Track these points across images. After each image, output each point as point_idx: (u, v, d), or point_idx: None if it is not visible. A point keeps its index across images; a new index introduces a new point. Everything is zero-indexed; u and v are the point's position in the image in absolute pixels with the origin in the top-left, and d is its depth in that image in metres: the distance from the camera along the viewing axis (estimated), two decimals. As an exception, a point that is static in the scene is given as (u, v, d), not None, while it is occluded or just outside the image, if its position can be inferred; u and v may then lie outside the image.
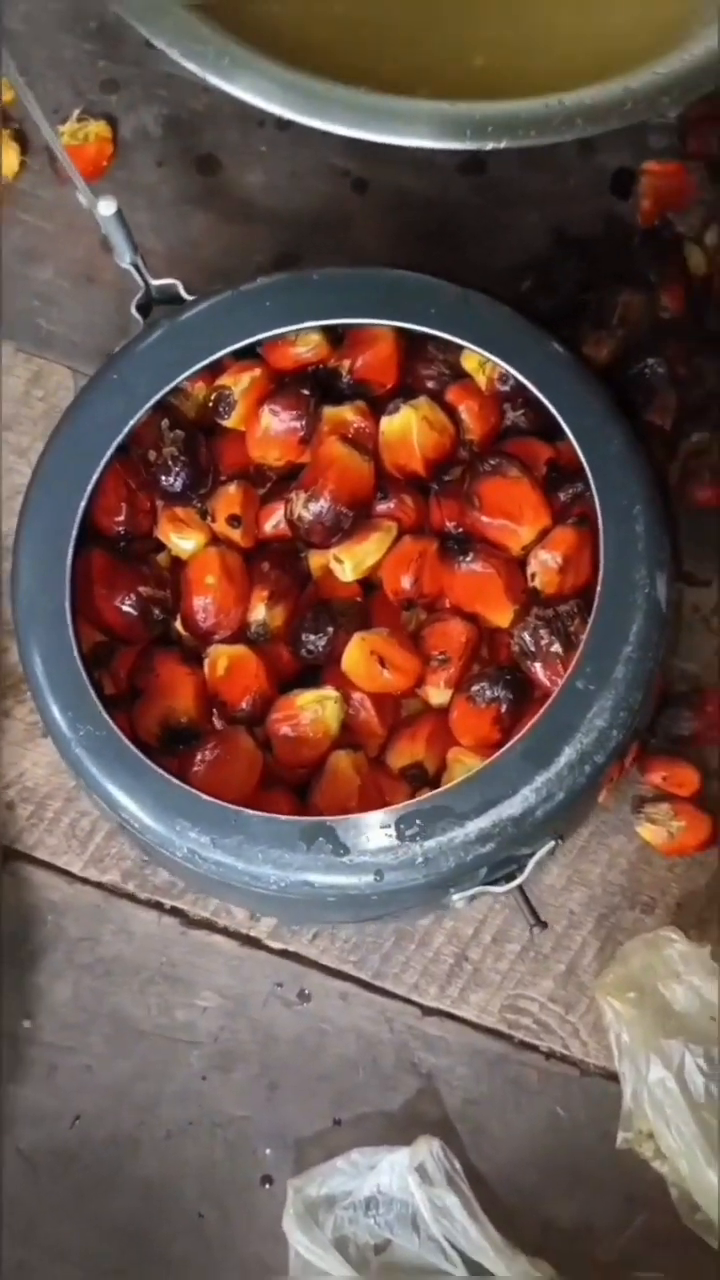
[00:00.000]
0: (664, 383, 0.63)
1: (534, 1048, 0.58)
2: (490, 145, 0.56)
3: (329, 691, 0.53)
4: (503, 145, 0.56)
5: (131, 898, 0.61)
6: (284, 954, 0.60)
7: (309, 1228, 0.54)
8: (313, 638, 0.55)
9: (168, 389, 0.54)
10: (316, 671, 0.55)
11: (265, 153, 0.70)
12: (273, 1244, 0.56)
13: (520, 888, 0.52)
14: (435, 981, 0.59)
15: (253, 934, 0.60)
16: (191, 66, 0.58)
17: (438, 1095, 0.58)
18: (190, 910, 0.60)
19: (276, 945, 0.60)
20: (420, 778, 0.53)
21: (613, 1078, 0.56)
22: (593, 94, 0.56)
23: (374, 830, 0.50)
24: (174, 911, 0.60)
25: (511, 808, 0.50)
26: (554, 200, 0.68)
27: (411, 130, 0.57)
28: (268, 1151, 0.58)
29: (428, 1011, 0.59)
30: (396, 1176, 0.54)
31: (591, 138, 0.64)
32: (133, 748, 0.51)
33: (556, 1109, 0.57)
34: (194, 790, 0.51)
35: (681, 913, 0.59)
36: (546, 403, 0.53)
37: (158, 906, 0.60)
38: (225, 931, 0.60)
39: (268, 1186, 0.58)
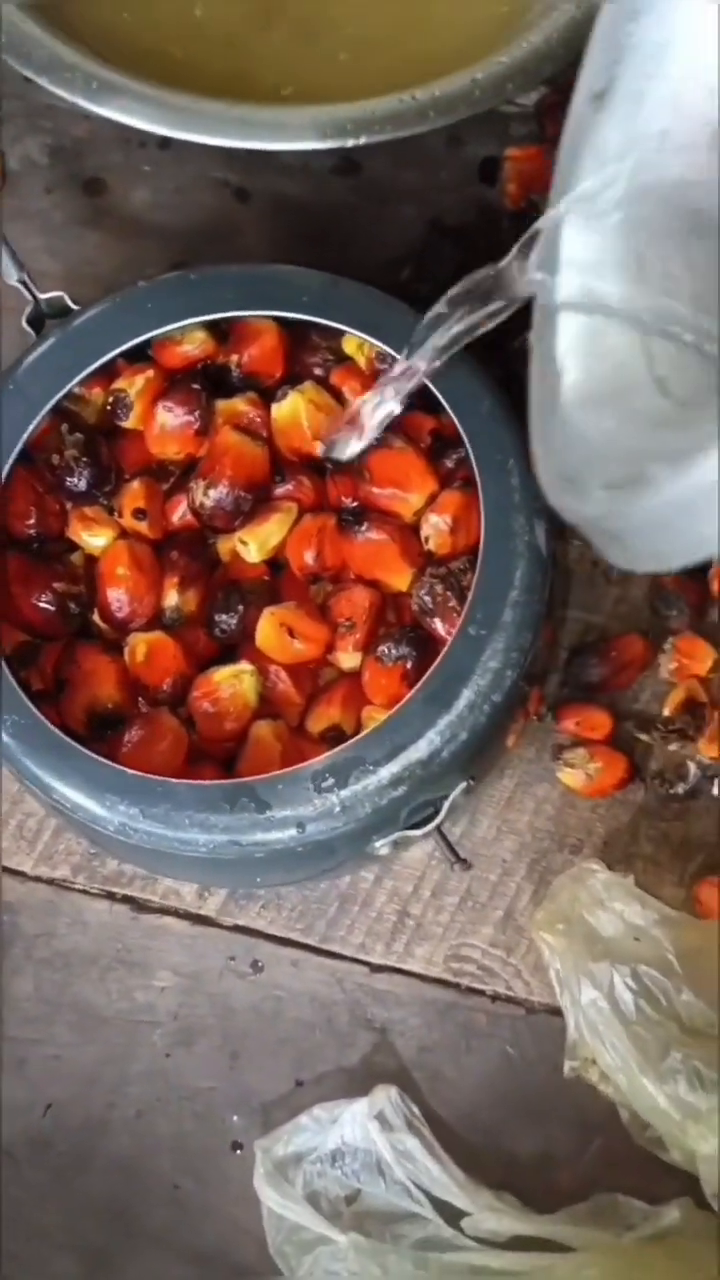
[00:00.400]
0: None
1: (480, 992, 0.61)
2: (350, 143, 0.60)
3: (244, 666, 0.56)
4: (362, 142, 0.60)
5: (83, 890, 0.63)
6: (234, 928, 0.62)
7: (279, 1185, 0.56)
8: (225, 617, 0.57)
9: (62, 394, 0.57)
10: (234, 650, 0.58)
11: (149, 171, 0.73)
12: (247, 1206, 0.58)
13: (439, 829, 0.55)
14: (380, 939, 0.62)
15: (202, 912, 0.62)
16: (63, 93, 0.61)
17: (392, 1047, 0.60)
18: (140, 896, 0.63)
19: (226, 921, 0.62)
20: (339, 739, 0.56)
21: (557, 1013, 0.58)
22: (442, 86, 0.60)
23: (292, 786, 0.52)
24: (125, 899, 0.63)
25: (418, 751, 0.53)
26: (427, 193, 0.72)
27: (274, 135, 0.61)
28: (235, 1118, 0.60)
29: (376, 969, 0.61)
30: (358, 1127, 0.57)
31: (458, 130, 0.68)
32: (59, 733, 0.53)
33: (506, 1048, 0.60)
34: (119, 766, 0.54)
35: (608, 850, 0.62)
36: (424, 379, 0.56)
37: (109, 896, 0.63)
38: (175, 913, 0.62)
39: (238, 1152, 0.60)
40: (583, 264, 0.49)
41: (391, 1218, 0.56)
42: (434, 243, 0.69)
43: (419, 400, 0.58)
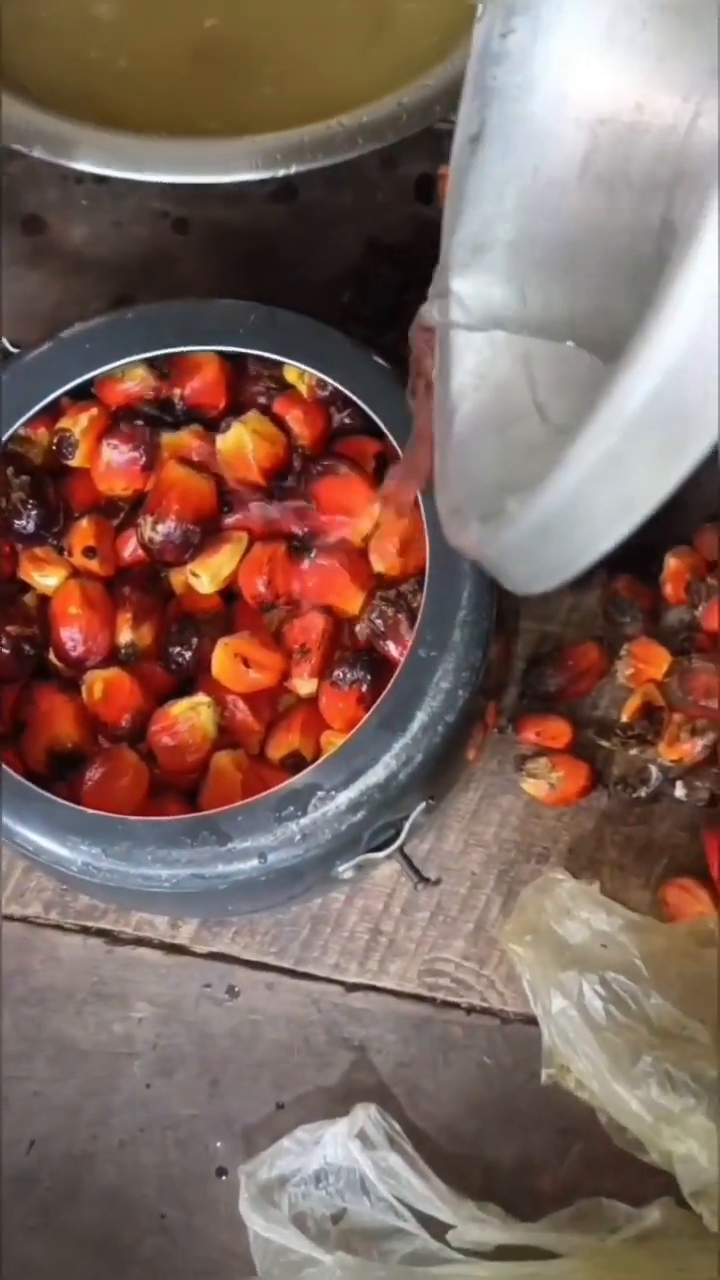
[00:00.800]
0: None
1: (455, 1005, 0.61)
2: (281, 172, 0.61)
3: (201, 698, 0.57)
4: (293, 170, 0.61)
5: (56, 926, 0.63)
6: (208, 956, 0.63)
7: (264, 1209, 0.56)
8: (180, 650, 0.58)
9: (6, 436, 0.57)
10: (191, 682, 0.58)
11: (87, 206, 0.74)
12: (235, 1231, 0.58)
13: (401, 850, 0.56)
14: (354, 958, 0.62)
15: (176, 941, 0.63)
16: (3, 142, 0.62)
17: (371, 1064, 0.61)
18: (114, 929, 0.63)
19: (200, 949, 0.63)
20: (299, 765, 0.56)
21: (532, 1021, 0.59)
22: (369, 112, 0.61)
23: (252, 816, 0.53)
24: (99, 933, 0.63)
25: (375, 775, 0.53)
26: (365, 214, 0.72)
27: (207, 168, 0.61)
28: (218, 1144, 0.61)
29: (351, 988, 0.62)
30: (340, 1147, 0.57)
31: (392, 151, 0.69)
32: (16, 776, 0.54)
33: (484, 1059, 0.61)
34: (78, 807, 0.54)
35: (574, 857, 0.62)
36: (359, 402, 0.57)
37: (83, 930, 0.63)
38: (149, 943, 0.63)
39: (223, 1177, 0.60)
40: (472, 299, 0.50)
41: (378, 1235, 0.57)
42: (373, 263, 0.70)
43: (362, 424, 0.59)
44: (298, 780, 0.53)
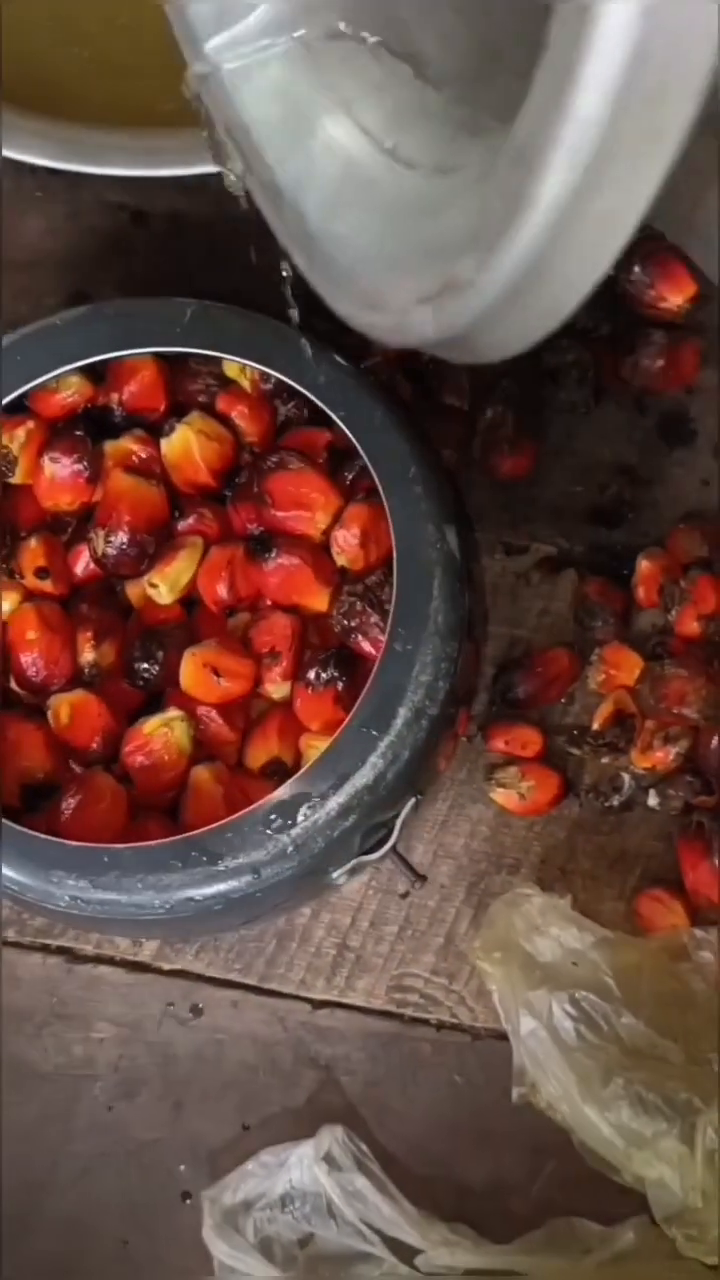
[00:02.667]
0: (453, 366, 0.65)
1: (424, 1021, 0.60)
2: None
3: (173, 713, 0.55)
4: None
5: (14, 944, 0.61)
6: (171, 973, 0.61)
7: (228, 1235, 0.55)
8: (145, 665, 0.56)
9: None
10: (159, 696, 0.57)
11: (41, 198, 0.71)
12: (200, 1256, 0.57)
13: (394, 849, 0.54)
14: (321, 974, 0.60)
15: (138, 959, 0.61)
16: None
17: (338, 1084, 0.59)
18: (74, 946, 0.61)
19: (163, 966, 0.61)
20: (280, 771, 0.55)
21: (502, 1037, 0.57)
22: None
23: (241, 833, 0.51)
24: (58, 950, 0.61)
25: (364, 777, 0.52)
26: (328, 205, 0.70)
27: (164, 161, 0.59)
28: (182, 1168, 0.59)
29: (318, 1005, 0.60)
30: (306, 1170, 0.56)
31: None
32: None
33: (454, 1076, 0.59)
34: (59, 839, 0.52)
35: (545, 868, 0.61)
36: (305, 392, 0.55)
37: (42, 949, 0.61)
38: (111, 961, 0.61)
39: (188, 1202, 0.59)
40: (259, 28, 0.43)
41: (345, 1260, 0.56)
42: (336, 258, 0.68)
43: (310, 415, 0.57)
44: (285, 790, 0.52)
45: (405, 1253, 0.56)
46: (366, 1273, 0.55)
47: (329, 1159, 0.56)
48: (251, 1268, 0.54)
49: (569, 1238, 0.55)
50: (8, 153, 0.62)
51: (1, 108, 0.62)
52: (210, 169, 0.60)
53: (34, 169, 0.71)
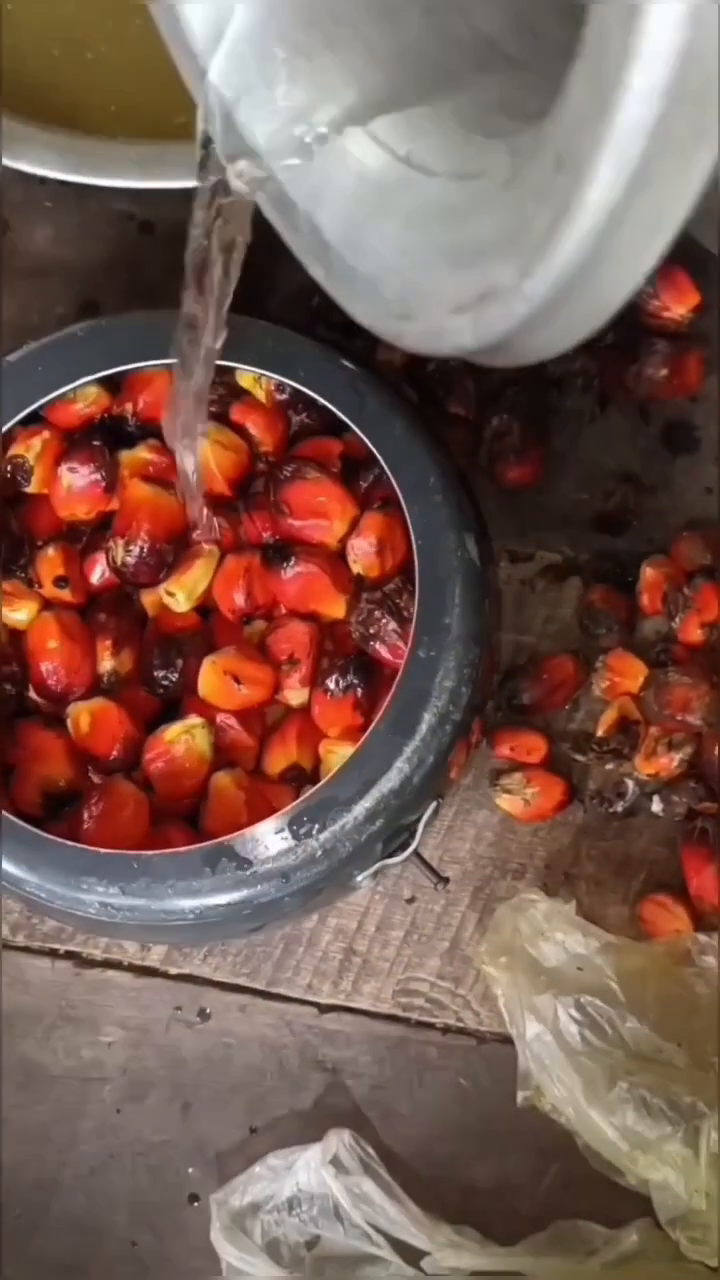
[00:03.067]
0: (459, 374, 0.65)
1: (430, 1025, 0.60)
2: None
3: (193, 720, 0.55)
4: (259, 174, 0.59)
5: (24, 949, 0.62)
6: (179, 978, 0.61)
7: (236, 1238, 0.56)
8: (165, 673, 0.57)
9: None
10: (177, 704, 0.57)
11: (51, 208, 0.72)
12: (208, 1258, 0.57)
13: (416, 852, 0.55)
14: (328, 979, 0.61)
15: (146, 964, 0.62)
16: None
17: (345, 1087, 0.60)
18: (83, 951, 0.62)
19: (171, 971, 0.61)
20: (299, 777, 0.55)
21: (508, 1041, 0.58)
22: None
23: (271, 838, 0.52)
24: (67, 955, 0.62)
25: (390, 782, 0.52)
26: (335, 214, 0.71)
27: (170, 173, 0.60)
28: (190, 1170, 0.60)
29: (324, 1009, 0.61)
30: (313, 1173, 0.56)
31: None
32: (20, 823, 0.52)
33: (460, 1080, 0.60)
34: (89, 847, 0.52)
35: (550, 873, 0.61)
36: (324, 401, 0.55)
37: (51, 953, 0.62)
38: (119, 966, 0.62)
39: (195, 1204, 0.59)
40: (261, 121, 0.41)
41: (352, 1262, 0.56)
42: (343, 267, 0.68)
43: (322, 424, 0.58)
44: (313, 795, 0.52)
45: (411, 1255, 0.56)
46: (373, 1274, 0.55)
47: (336, 1162, 0.56)
48: (258, 1270, 0.55)
49: (574, 1239, 0.56)
50: (18, 164, 0.63)
51: (2, 117, 0.63)
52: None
53: (44, 180, 0.72)
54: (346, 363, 0.56)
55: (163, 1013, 0.61)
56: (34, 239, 0.72)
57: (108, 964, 0.62)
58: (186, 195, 0.70)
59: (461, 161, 0.39)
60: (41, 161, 0.63)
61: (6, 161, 0.62)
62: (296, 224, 0.46)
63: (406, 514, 0.54)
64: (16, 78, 0.65)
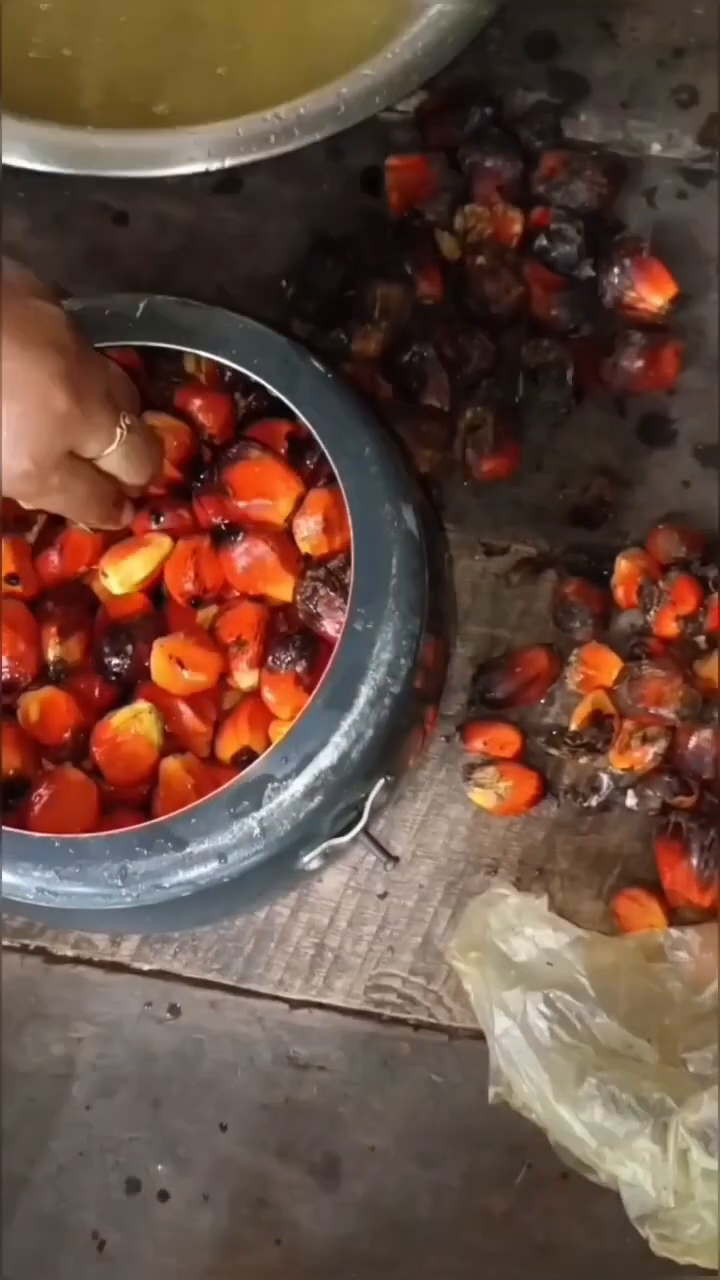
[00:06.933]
0: (434, 366, 0.65)
1: (402, 1021, 0.60)
2: (216, 165, 0.59)
3: (140, 705, 0.55)
4: (228, 164, 0.58)
5: (-7, 944, 0.62)
6: (149, 973, 0.61)
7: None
8: (116, 660, 0.56)
9: None
10: (131, 690, 0.57)
11: (24, 198, 0.71)
12: (177, 1254, 0.57)
13: (365, 831, 0.54)
14: (299, 974, 0.61)
15: (116, 959, 0.61)
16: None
17: (317, 1083, 0.59)
18: (51, 947, 0.61)
19: (142, 966, 0.61)
20: (252, 760, 0.54)
21: (481, 1037, 0.57)
22: (307, 104, 0.59)
23: (205, 817, 0.51)
24: (36, 951, 0.61)
25: (327, 757, 0.51)
26: (311, 205, 0.70)
27: (142, 163, 0.59)
28: (160, 1167, 0.59)
29: (296, 1005, 0.60)
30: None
31: (338, 141, 0.67)
32: None
33: (431, 1076, 0.59)
34: (23, 832, 0.52)
35: (524, 868, 0.61)
36: (259, 379, 0.54)
37: (20, 949, 0.61)
38: (89, 962, 0.61)
39: (165, 1201, 0.59)
40: None
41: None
42: (317, 258, 0.68)
43: (271, 406, 0.57)
44: (248, 773, 0.51)
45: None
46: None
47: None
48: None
49: None
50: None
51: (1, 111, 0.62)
52: (191, 169, 0.60)
53: (18, 171, 0.71)
54: (280, 339, 0.56)
55: (133, 1008, 0.60)
56: (8, 230, 0.71)
57: (78, 960, 0.61)
58: (161, 185, 0.70)
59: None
60: (15, 152, 0.62)
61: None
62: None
63: (342, 485, 0.54)
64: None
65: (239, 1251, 0.58)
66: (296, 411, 0.54)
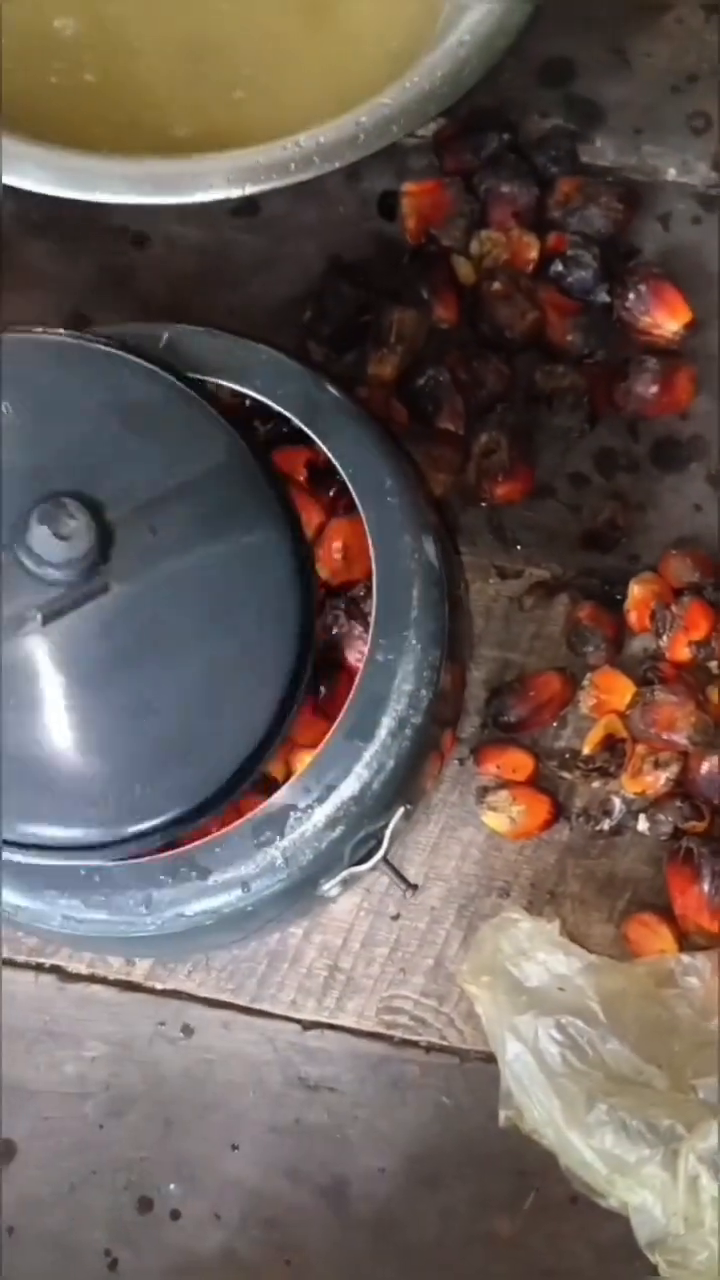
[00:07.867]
0: (448, 390, 0.65)
1: (413, 1043, 0.60)
2: (236, 193, 0.59)
3: None
4: (248, 191, 0.59)
5: (7, 963, 0.62)
6: (163, 993, 0.61)
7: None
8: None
9: None
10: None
11: (42, 221, 0.72)
12: (187, 1274, 0.57)
13: (385, 859, 0.54)
14: (311, 995, 0.61)
15: (130, 979, 0.61)
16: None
17: (326, 1104, 0.60)
18: (66, 965, 0.62)
19: (155, 986, 0.61)
20: (273, 788, 0.54)
21: (491, 1059, 0.58)
22: (326, 133, 0.59)
23: (230, 847, 0.51)
24: (51, 969, 0.62)
25: (349, 788, 0.52)
26: (327, 229, 0.71)
27: (161, 190, 0.60)
28: (171, 1187, 0.59)
29: (307, 1026, 0.61)
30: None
31: (355, 166, 0.67)
32: None
33: (441, 1098, 0.59)
34: (46, 861, 0.51)
35: (535, 891, 0.61)
36: (278, 408, 0.55)
37: (35, 967, 0.62)
38: (104, 981, 0.61)
39: (177, 1220, 0.59)
40: None
41: None
42: (333, 282, 0.68)
43: (290, 434, 0.57)
44: (272, 803, 0.52)
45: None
46: None
47: None
48: None
49: None
50: (10, 180, 0.63)
51: (2, 131, 0.63)
52: (211, 196, 0.61)
53: (34, 194, 0.72)
54: (302, 369, 0.56)
55: (146, 1028, 0.61)
56: (25, 253, 0.72)
57: (92, 978, 0.61)
58: (179, 210, 0.71)
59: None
60: (33, 177, 0.63)
61: (9, 181, 0.62)
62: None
63: (364, 516, 0.54)
64: (11, 95, 0.65)
65: (249, 1272, 0.58)
66: (319, 443, 0.54)
